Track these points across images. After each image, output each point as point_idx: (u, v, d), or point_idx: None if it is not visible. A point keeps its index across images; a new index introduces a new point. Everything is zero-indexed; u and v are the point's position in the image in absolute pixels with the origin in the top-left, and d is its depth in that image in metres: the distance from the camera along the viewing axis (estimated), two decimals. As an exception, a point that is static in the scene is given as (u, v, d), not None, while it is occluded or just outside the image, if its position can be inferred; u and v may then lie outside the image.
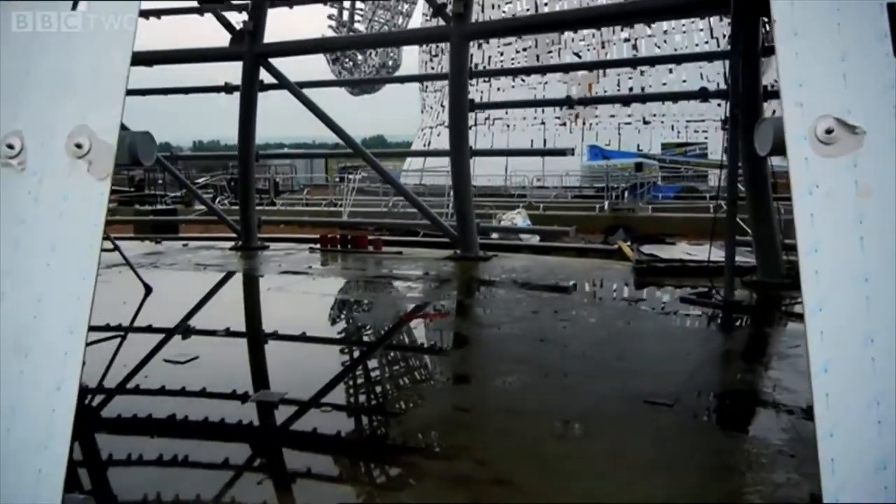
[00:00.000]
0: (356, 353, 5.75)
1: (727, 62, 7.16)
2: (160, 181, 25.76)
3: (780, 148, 1.77)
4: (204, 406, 4.10)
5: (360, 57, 42.62)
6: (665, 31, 37.02)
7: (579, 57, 36.41)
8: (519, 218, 15.90)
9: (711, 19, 34.84)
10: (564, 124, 39.00)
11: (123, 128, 1.96)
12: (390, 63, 44.80)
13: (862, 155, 1.63)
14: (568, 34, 37.29)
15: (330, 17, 41.10)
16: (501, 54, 39.17)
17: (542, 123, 39.02)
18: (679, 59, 28.72)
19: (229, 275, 8.78)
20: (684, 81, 30.36)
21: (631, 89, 35.47)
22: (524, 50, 38.76)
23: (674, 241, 10.41)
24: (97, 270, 1.77)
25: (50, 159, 1.81)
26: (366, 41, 36.76)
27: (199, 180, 27.16)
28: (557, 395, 4.18)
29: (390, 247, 10.33)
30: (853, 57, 1.69)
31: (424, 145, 41.97)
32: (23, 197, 1.79)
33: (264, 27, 9.91)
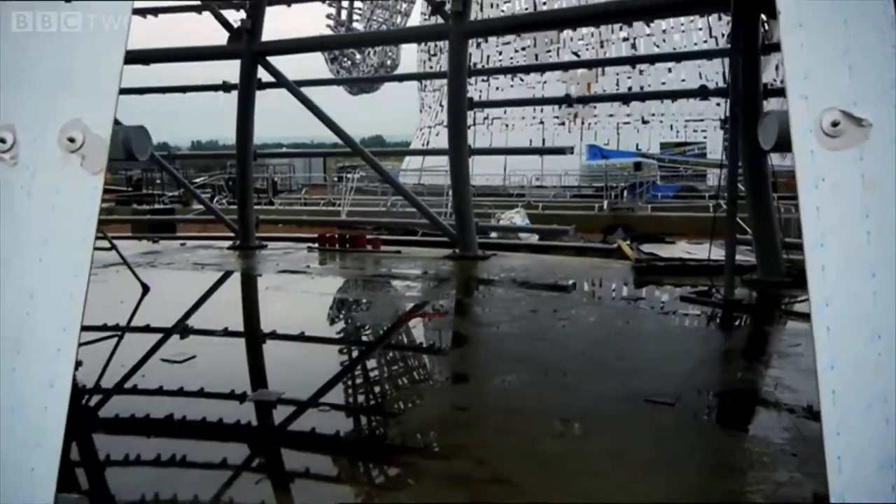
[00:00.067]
0: (355, 353, 5.73)
1: (727, 60, 7.14)
2: (158, 181, 25.70)
3: (784, 142, 1.74)
4: (202, 406, 4.08)
5: (358, 56, 42.61)
6: (664, 31, 37.01)
7: (578, 56, 36.37)
8: (518, 217, 15.87)
9: (710, 18, 34.90)
10: (563, 124, 38.98)
11: (117, 123, 1.93)
12: (389, 63, 44.78)
13: (868, 148, 1.61)
14: (566, 34, 37.26)
15: (328, 16, 41.10)
16: (500, 54, 39.14)
17: (541, 123, 39.00)
18: (679, 57, 28.72)
19: (227, 274, 8.75)
20: (683, 81, 30.29)
21: (630, 88, 35.41)
22: (523, 49, 38.73)
23: (673, 240, 10.41)
24: (91, 266, 1.74)
25: (42, 153, 1.78)
26: (364, 39, 36.77)
27: (197, 180, 27.12)
28: (557, 394, 4.16)
29: (389, 246, 10.31)
30: (859, 48, 1.66)
31: (423, 145, 41.94)
32: (15, 191, 1.76)
33: (262, 25, 9.89)
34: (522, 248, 11.39)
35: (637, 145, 36.40)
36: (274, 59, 9.99)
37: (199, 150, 50.20)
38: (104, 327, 5.72)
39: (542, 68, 36.28)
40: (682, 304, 6.52)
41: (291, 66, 10.55)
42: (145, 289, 7.01)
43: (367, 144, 13.42)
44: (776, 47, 7.99)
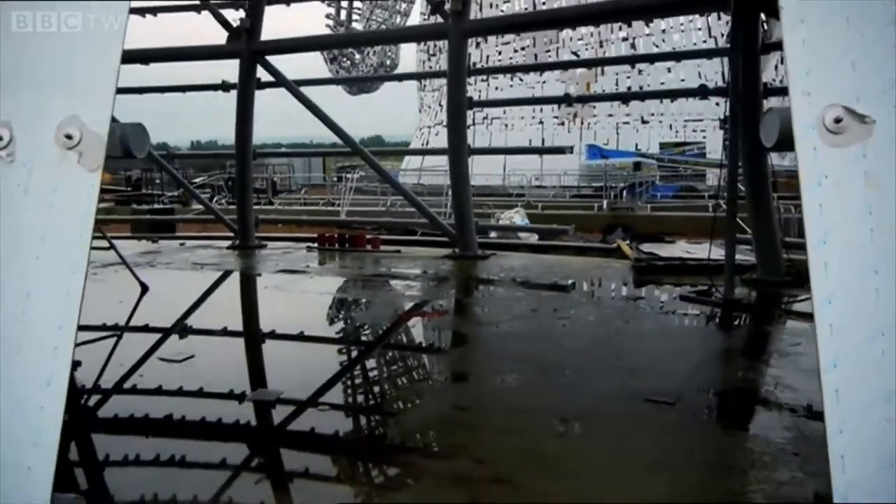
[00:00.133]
0: (354, 352, 5.72)
1: (726, 59, 7.13)
2: (157, 181, 25.68)
3: (786, 139, 1.73)
4: (201, 405, 4.07)
5: (357, 57, 42.57)
6: (663, 31, 37.02)
7: (577, 56, 36.36)
8: (517, 217, 15.86)
9: (709, 18, 34.92)
10: (563, 124, 38.97)
11: (115, 121, 1.92)
12: (388, 63, 44.75)
13: (871, 144, 1.60)
14: (566, 33, 37.27)
15: (328, 16, 41.08)
16: (500, 54, 39.12)
17: (541, 123, 38.98)
18: (678, 56, 28.75)
19: (226, 273, 8.74)
20: (682, 81, 30.28)
21: (629, 88, 35.42)
22: (522, 49, 38.73)
23: (673, 240, 10.39)
24: (88, 264, 1.73)
25: (39, 150, 1.77)
26: (364, 38, 36.78)
27: (197, 180, 27.11)
28: (557, 394, 4.15)
29: (388, 245, 10.30)
30: (862, 44, 1.65)
31: (422, 145, 41.92)
32: (12, 188, 1.75)
33: (261, 24, 9.88)
34: (522, 248, 11.38)
35: (636, 145, 36.41)
36: (273, 59, 9.98)
37: (198, 151, 50.14)
38: (103, 327, 5.70)
39: (541, 67, 36.30)
40: (681, 304, 6.51)
41: (291, 66, 10.55)
42: (144, 288, 7.00)
43: (367, 145, 13.40)
44: (776, 46, 8.01)
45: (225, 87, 10.67)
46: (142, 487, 2.97)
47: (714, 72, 21.78)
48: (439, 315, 6.77)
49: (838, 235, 1.58)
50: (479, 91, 34.95)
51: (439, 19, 9.18)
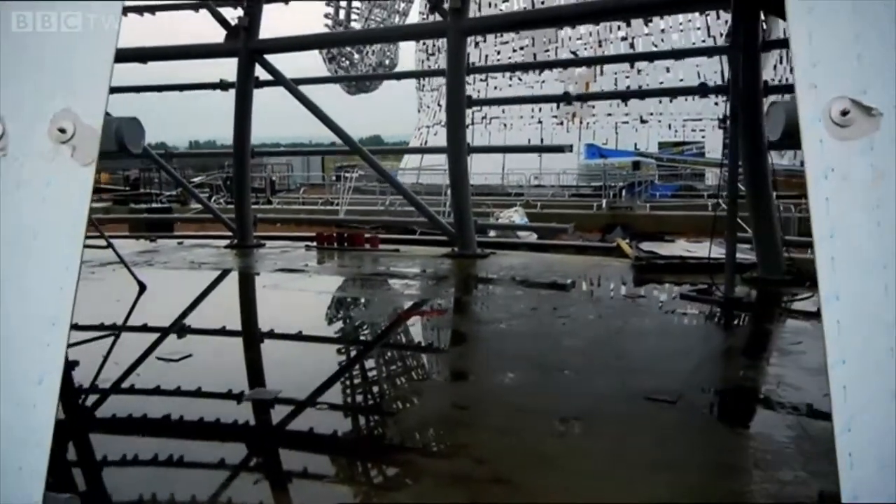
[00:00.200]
0: (353, 351, 5.68)
1: (726, 58, 7.11)
2: (156, 180, 25.62)
3: (791, 132, 1.71)
4: (199, 405, 4.04)
5: (356, 56, 42.52)
6: (662, 30, 37.00)
7: (576, 56, 36.32)
8: (517, 216, 15.84)
9: (709, 18, 34.90)
10: (562, 123, 38.94)
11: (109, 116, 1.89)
12: (387, 62, 44.72)
13: (878, 137, 1.57)
14: (565, 33, 37.24)
15: (326, 15, 41.07)
16: (498, 53, 39.06)
17: (540, 122, 38.95)
18: (678, 54, 28.69)
19: (224, 273, 8.71)
20: (681, 80, 30.28)
21: (628, 87, 35.40)
22: (521, 49, 38.68)
23: (673, 239, 10.36)
24: (81, 260, 1.70)
25: (32, 144, 1.74)
26: (363, 37, 36.62)
27: (195, 179, 27.06)
28: (557, 393, 4.12)
29: (387, 244, 10.28)
30: (868, 36, 1.62)
31: (421, 144, 41.89)
32: (4, 183, 1.72)
33: (260, 23, 9.85)
34: (521, 247, 11.34)
35: (635, 145, 36.37)
36: (272, 58, 9.94)
37: (196, 150, 50.08)
38: (100, 326, 5.67)
39: (540, 66, 36.21)
40: (682, 302, 6.48)
41: (289, 65, 10.49)
42: (142, 287, 6.97)
43: (366, 144, 13.34)
44: (776, 44, 7.98)
45: (223, 85, 10.62)
46: (140, 487, 2.95)
47: (713, 72, 21.69)
48: (438, 314, 6.74)
49: (845, 230, 1.55)
50: (478, 91, 34.92)
51: (438, 18, 9.14)
